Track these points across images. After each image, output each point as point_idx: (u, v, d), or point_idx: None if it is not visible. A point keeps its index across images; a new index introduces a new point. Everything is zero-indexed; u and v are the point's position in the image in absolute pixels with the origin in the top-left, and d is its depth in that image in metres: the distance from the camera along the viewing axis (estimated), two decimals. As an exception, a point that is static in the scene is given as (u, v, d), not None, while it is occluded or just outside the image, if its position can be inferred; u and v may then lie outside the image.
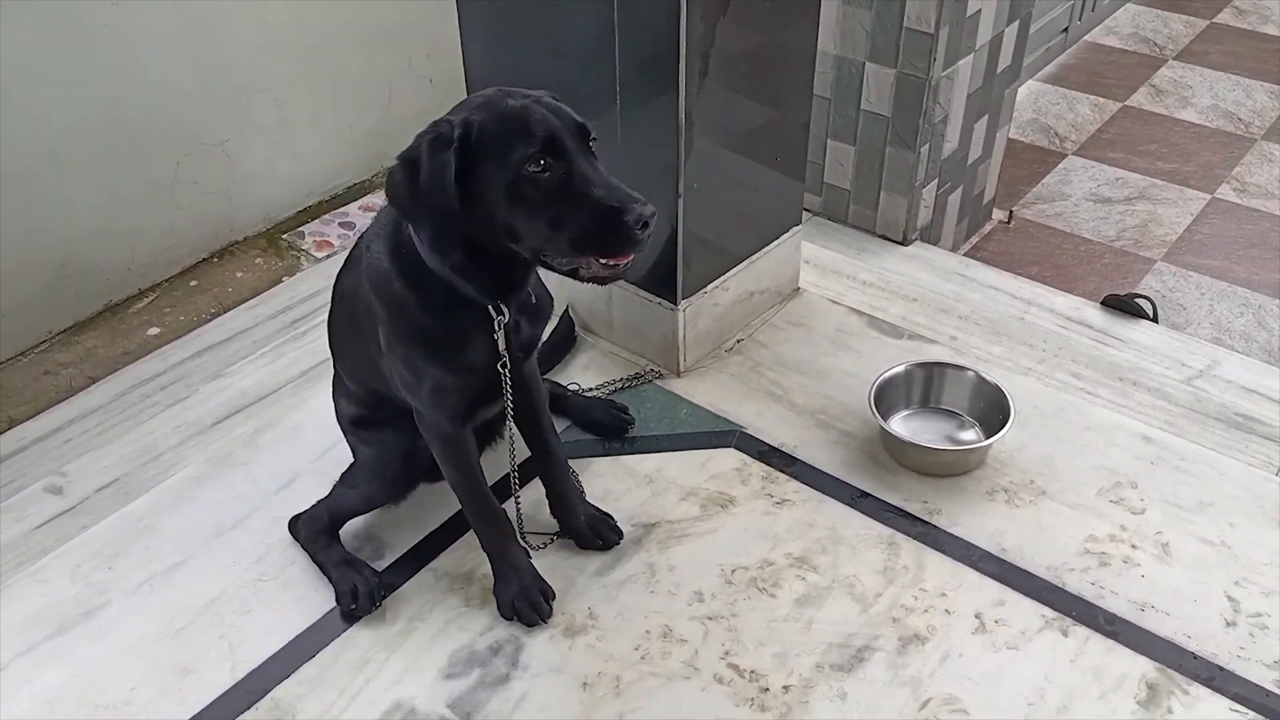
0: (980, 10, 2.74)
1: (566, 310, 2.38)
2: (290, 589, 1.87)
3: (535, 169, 1.39)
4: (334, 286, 1.84)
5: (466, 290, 1.55)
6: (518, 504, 1.87)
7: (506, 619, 1.81)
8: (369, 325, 1.69)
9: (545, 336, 1.92)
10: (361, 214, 3.17)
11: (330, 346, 1.93)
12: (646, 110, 2.02)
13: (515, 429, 1.84)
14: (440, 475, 1.93)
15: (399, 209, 1.51)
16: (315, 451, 2.12)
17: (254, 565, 1.91)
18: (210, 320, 2.75)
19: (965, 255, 3.19)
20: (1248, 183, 3.68)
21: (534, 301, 1.69)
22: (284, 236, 3.08)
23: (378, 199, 3.22)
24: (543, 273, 1.63)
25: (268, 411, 2.30)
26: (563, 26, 2.05)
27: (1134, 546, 1.91)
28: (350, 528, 1.93)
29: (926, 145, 2.81)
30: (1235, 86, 4.23)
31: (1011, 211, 3.53)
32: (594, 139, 1.47)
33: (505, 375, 1.66)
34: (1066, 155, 3.86)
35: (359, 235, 1.83)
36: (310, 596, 1.85)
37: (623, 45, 1.99)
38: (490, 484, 1.93)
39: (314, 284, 2.81)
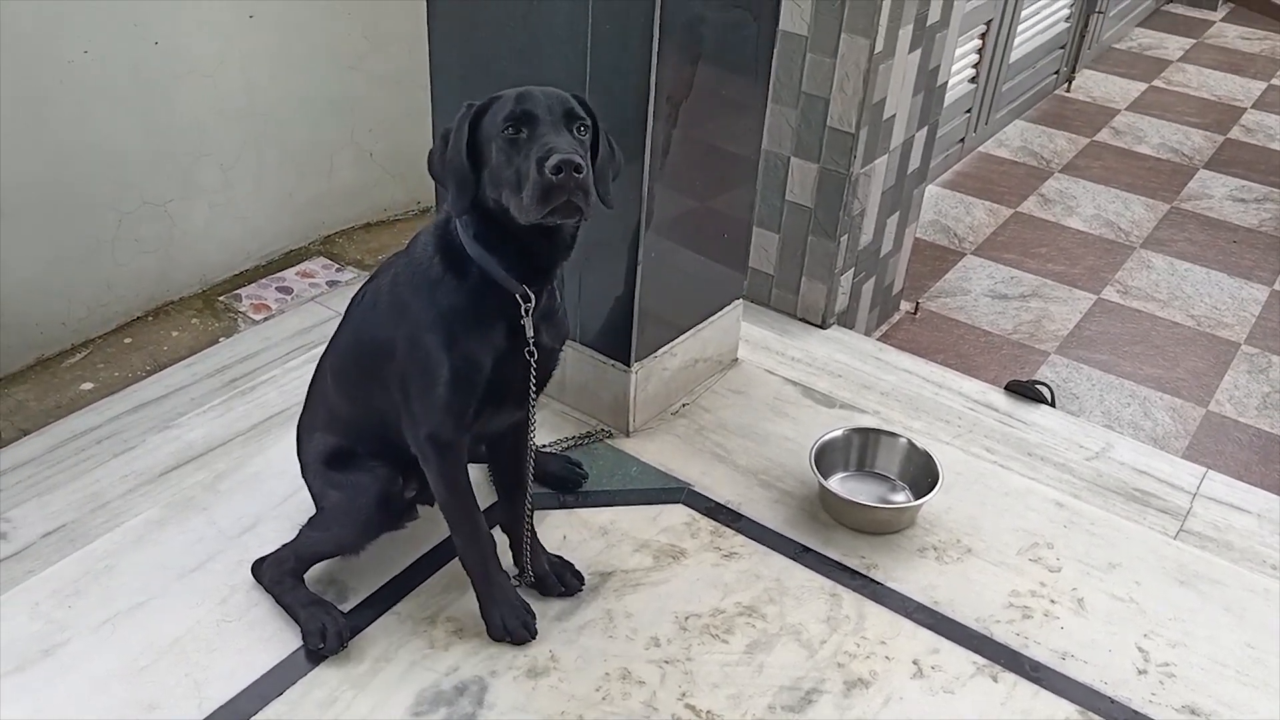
0: (895, 115, 2.97)
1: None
2: (255, 629, 1.89)
3: (509, 133, 1.60)
4: (354, 297, 1.91)
5: (496, 273, 1.69)
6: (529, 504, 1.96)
7: (497, 639, 1.89)
8: (389, 324, 1.77)
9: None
10: (299, 279, 3.21)
11: (325, 368, 1.96)
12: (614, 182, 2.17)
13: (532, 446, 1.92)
14: (403, 523, 2.00)
15: (433, 174, 1.73)
16: (277, 498, 2.15)
17: (218, 606, 1.93)
18: (146, 377, 2.74)
19: (877, 341, 3.38)
20: (1130, 286, 3.99)
21: (557, 315, 1.81)
22: (220, 298, 3.11)
23: (315, 265, 3.28)
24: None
25: (219, 462, 2.32)
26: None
27: (1053, 601, 2.07)
28: (312, 573, 1.96)
29: (845, 236, 3.00)
30: (1115, 199, 4.59)
31: (918, 303, 3.76)
32: (584, 125, 1.66)
33: (533, 364, 1.75)
34: (965, 254, 4.12)
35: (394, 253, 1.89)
36: (276, 637, 1.88)
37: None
38: (446, 536, 2.00)
39: (252, 345, 2.83)
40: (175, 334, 2.96)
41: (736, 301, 2.61)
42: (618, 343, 2.33)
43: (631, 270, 2.22)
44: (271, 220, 3.24)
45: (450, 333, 1.70)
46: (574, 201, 1.57)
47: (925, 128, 3.23)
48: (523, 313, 1.71)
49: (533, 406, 1.83)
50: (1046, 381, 2.94)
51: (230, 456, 2.35)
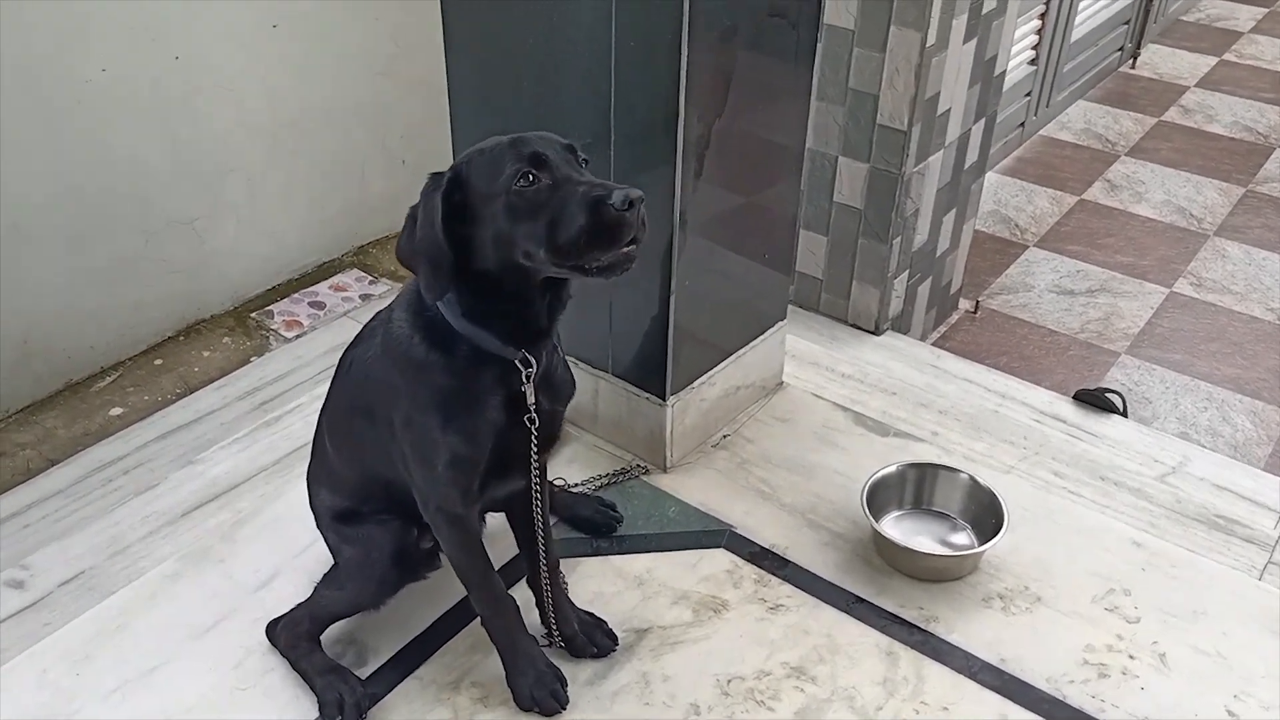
0: (950, 109, 2.81)
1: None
2: (270, 698, 1.78)
3: (523, 183, 1.45)
4: (341, 359, 1.79)
5: (490, 345, 1.56)
6: (548, 593, 1.84)
7: (525, 709, 1.77)
8: (381, 400, 1.65)
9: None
10: (331, 293, 3.13)
11: (324, 426, 1.86)
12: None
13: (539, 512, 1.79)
14: (423, 573, 1.88)
15: (402, 260, 1.56)
16: (296, 547, 2.05)
17: (232, 671, 1.83)
18: (175, 401, 2.69)
19: (934, 345, 3.23)
20: (1204, 277, 3.77)
21: (556, 374, 1.67)
22: (252, 315, 3.03)
23: (348, 278, 3.19)
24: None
25: (241, 501, 2.23)
26: (557, 121, 2.05)
27: (1131, 657, 1.90)
28: (331, 631, 1.86)
29: (898, 238, 2.85)
30: (1186, 183, 4.36)
31: (978, 302, 3.58)
32: (584, 159, 1.53)
33: (534, 431, 1.63)
34: (1028, 247, 3.93)
35: (375, 312, 1.78)
36: (293, 705, 1.77)
37: (619, 141, 1.99)
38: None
39: (284, 364, 2.77)
40: (206, 354, 2.89)
41: (780, 323, 2.45)
42: (652, 374, 2.19)
43: (665, 294, 2.07)
44: (302, 233, 3.17)
45: (446, 414, 1.57)
46: (638, 239, 1.45)
47: (983, 119, 3.06)
48: (523, 379, 1.58)
49: (535, 472, 1.70)
50: (1117, 389, 2.77)
51: (254, 494, 2.26)
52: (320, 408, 1.88)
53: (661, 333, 2.13)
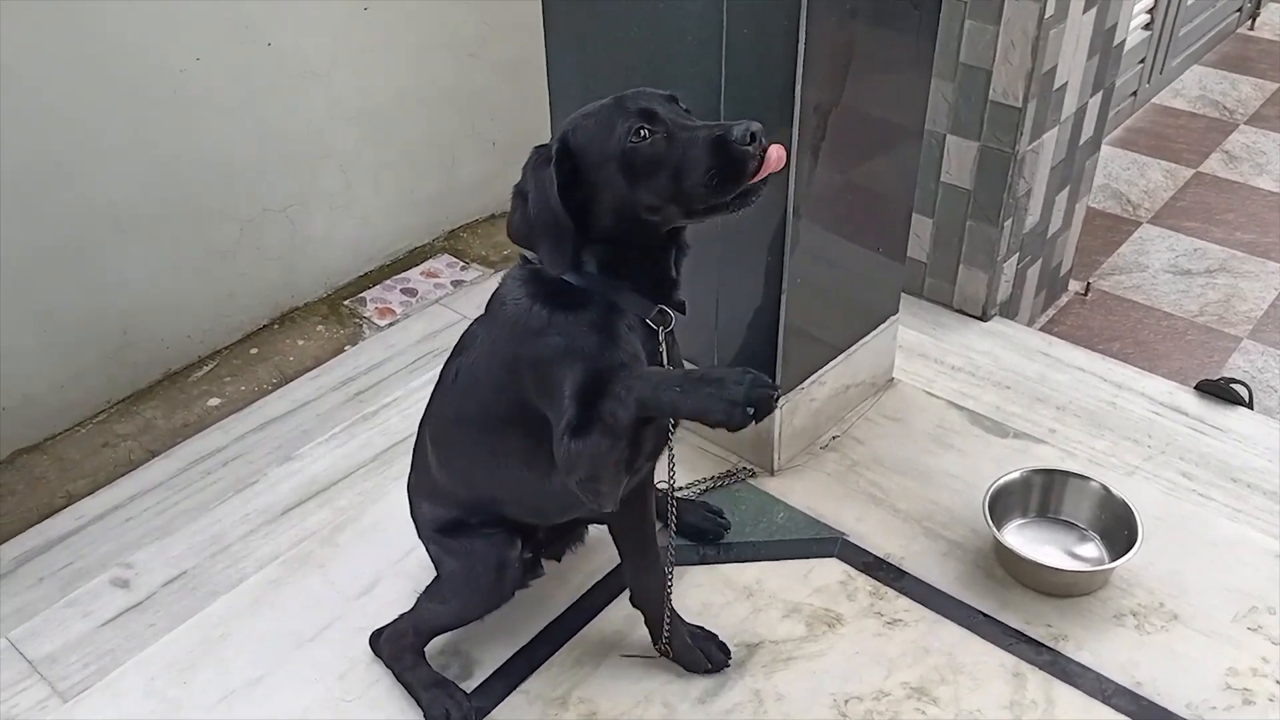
0: (1066, 83, 2.66)
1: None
2: (376, 710, 1.75)
3: (637, 139, 1.41)
4: (441, 373, 1.71)
5: (628, 299, 1.50)
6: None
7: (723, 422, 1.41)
8: (495, 398, 1.57)
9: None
10: (423, 279, 3.09)
11: (426, 439, 1.78)
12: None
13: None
14: (527, 581, 1.82)
15: (517, 240, 1.51)
16: (397, 552, 2.01)
17: (337, 683, 1.80)
18: (272, 391, 2.68)
19: (1043, 329, 3.09)
20: (1333, 257, 3.56)
21: (676, 348, 1.59)
22: (345, 303, 3.01)
23: (439, 264, 3.16)
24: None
25: (341, 499, 2.21)
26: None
27: (1278, 682, 1.78)
28: (436, 642, 1.82)
29: (1009, 219, 2.72)
30: (1312, 154, 4.12)
31: (1089, 283, 3.43)
32: (686, 108, 1.48)
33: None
34: (1141, 224, 3.75)
35: (472, 320, 1.69)
36: (398, 719, 1.74)
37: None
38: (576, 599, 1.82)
39: (377, 354, 2.75)
40: (301, 342, 2.88)
41: (892, 318, 2.34)
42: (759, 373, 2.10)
43: (775, 289, 1.99)
44: (394, 219, 3.14)
45: (586, 354, 1.46)
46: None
47: (1100, 92, 2.90)
48: (660, 338, 1.52)
49: (672, 433, 1.58)
50: (1241, 378, 2.62)
51: (352, 491, 2.24)
52: (420, 417, 1.82)
53: (771, 330, 2.04)
